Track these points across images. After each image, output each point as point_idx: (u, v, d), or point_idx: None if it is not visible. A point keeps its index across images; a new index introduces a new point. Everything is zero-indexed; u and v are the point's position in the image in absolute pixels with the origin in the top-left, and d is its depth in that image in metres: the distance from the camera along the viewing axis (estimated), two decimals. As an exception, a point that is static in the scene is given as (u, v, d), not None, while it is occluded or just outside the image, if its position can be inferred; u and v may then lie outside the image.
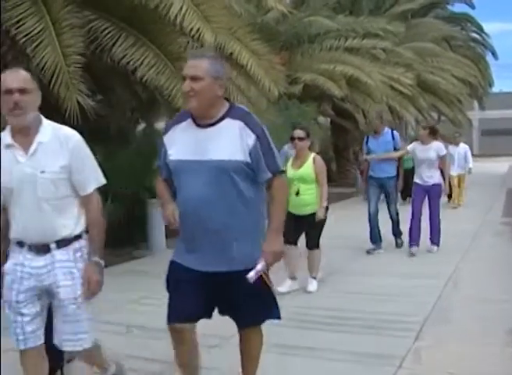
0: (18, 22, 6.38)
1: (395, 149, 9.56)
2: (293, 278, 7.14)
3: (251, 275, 3.47)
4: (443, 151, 9.50)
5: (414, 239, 9.38)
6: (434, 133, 9.49)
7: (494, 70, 35.95)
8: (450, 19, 32.32)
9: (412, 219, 9.44)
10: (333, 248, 9.75)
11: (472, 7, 34.03)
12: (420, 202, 9.45)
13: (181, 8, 7.26)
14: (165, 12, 7.32)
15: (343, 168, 22.54)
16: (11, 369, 4.71)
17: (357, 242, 10.27)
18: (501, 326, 5.63)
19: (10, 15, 6.39)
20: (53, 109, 8.08)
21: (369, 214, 9.65)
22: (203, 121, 3.49)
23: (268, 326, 5.82)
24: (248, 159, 3.43)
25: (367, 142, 9.78)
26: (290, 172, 6.73)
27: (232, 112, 3.50)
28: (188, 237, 3.65)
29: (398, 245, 9.93)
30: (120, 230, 9.43)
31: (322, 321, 5.98)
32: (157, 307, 6.56)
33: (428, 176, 9.35)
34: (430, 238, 9.60)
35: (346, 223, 12.13)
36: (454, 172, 15.73)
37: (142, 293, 7.10)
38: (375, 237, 9.68)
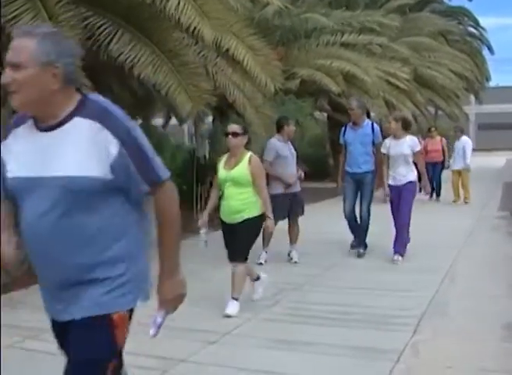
0: (13, 18, 6.36)
1: (373, 144, 8.75)
2: (237, 299, 6.11)
3: (152, 333, 2.95)
4: (418, 146, 8.69)
5: (396, 248, 8.49)
6: (407, 126, 8.65)
7: (490, 65, 36.10)
8: (447, 13, 32.35)
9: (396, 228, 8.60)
10: (330, 242, 9.78)
11: (469, 0, 34.09)
12: (395, 206, 8.53)
13: (178, 3, 7.24)
14: (162, 8, 7.30)
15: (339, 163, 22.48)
16: (12, 365, 4.73)
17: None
18: (498, 321, 5.65)
19: (5, 11, 6.37)
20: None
21: (345, 214, 8.91)
22: (44, 122, 2.51)
23: (266, 322, 5.86)
24: (110, 175, 2.43)
25: (344, 133, 8.93)
26: (222, 173, 6.20)
27: (83, 109, 2.49)
28: (41, 282, 2.93)
29: (360, 255, 8.77)
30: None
31: (320, 316, 6.00)
32: (155, 302, 6.58)
33: (403, 174, 8.43)
34: (394, 247, 8.44)
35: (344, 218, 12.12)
36: (455, 167, 15.76)
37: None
38: (355, 231, 9.07)
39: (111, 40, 7.32)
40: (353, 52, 16.90)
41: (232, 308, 5.98)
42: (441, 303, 6.35)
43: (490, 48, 35.11)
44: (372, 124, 8.87)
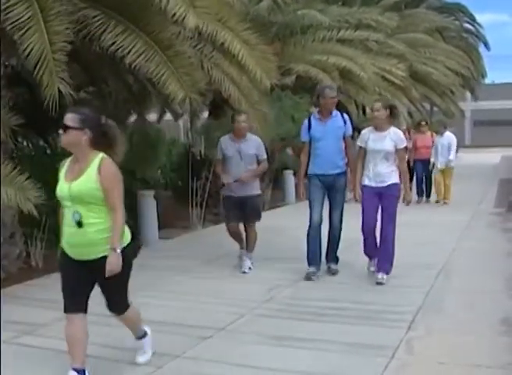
0: (5, 9, 6.36)
1: (345, 137, 7.37)
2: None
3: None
4: (403, 143, 7.16)
5: (371, 254, 7.37)
6: (394, 117, 7.27)
7: (486, 61, 35.94)
8: (443, 9, 32.32)
9: (364, 237, 7.25)
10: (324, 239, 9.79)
11: (465, -4, 34.10)
12: (373, 211, 7.08)
13: None
14: (155, 1, 7.33)
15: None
16: (7, 361, 4.72)
17: (349, 233, 10.30)
18: (493, 316, 5.66)
19: None
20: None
21: (310, 224, 7.34)
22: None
23: (261, 318, 5.86)
24: None
25: (309, 127, 7.36)
26: (62, 187, 4.20)
27: None
28: None
29: (331, 271, 7.52)
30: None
31: (315, 312, 6.00)
32: (150, 299, 6.59)
33: (383, 174, 7.00)
34: (377, 264, 7.13)
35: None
36: (439, 165, 14.85)
37: (135, 285, 7.08)
38: (314, 255, 7.38)
39: (103, 31, 7.32)
40: (350, 48, 16.87)
41: None
42: (436, 299, 6.36)
43: (486, 45, 35.09)
44: (342, 114, 7.47)
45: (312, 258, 7.33)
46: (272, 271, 7.69)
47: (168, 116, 17.40)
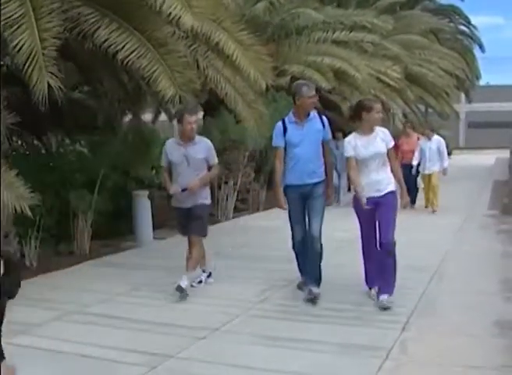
0: None
1: (323, 142, 6.55)
2: None
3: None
4: (392, 141, 6.39)
5: (373, 282, 6.50)
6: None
7: (481, 63, 35.99)
8: (438, 11, 32.38)
9: (364, 258, 6.55)
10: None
11: (461, 0, 34.19)
12: (373, 227, 6.29)
13: None
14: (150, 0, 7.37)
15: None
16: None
17: (338, 234, 10.32)
18: (487, 318, 5.67)
19: None
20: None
21: (294, 243, 6.65)
22: None
23: (255, 318, 5.86)
24: None
25: (284, 131, 6.48)
26: None
27: None
28: None
29: (311, 296, 6.31)
30: (107, 221, 9.43)
31: (309, 313, 6.00)
32: (145, 299, 6.59)
33: (380, 182, 6.19)
34: (380, 287, 6.24)
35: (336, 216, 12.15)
36: (426, 171, 13.69)
37: (130, 285, 7.10)
38: (315, 272, 6.51)
39: (97, 28, 7.35)
40: (345, 50, 16.90)
41: None
42: (430, 300, 6.37)
43: (481, 47, 35.17)
44: (320, 116, 6.62)
45: (302, 271, 6.77)
46: (266, 272, 7.68)
47: (163, 117, 17.39)
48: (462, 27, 35.23)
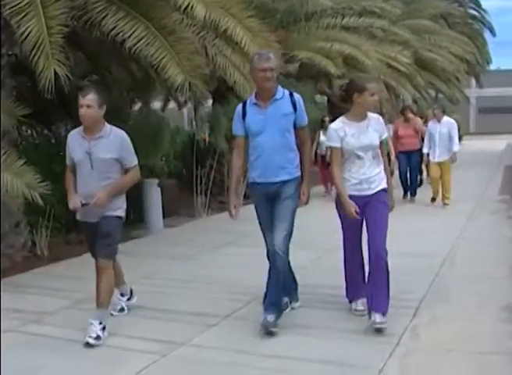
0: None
1: (295, 128, 5.23)
2: None
3: None
4: (386, 131, 5.44)
5: (356, 294, 5.55)
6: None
7: (492, 47, 35.88)
8: (448, -5, 32.15)
9: (346, 266, 5.59)
10: (330, 227, 9.78)
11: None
12: (359, 232, 5.37)
13: None
14: None
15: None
16: (13, 349, 4.74)
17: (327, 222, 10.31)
18: (498, 303, 5.66)
19: None
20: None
21: (268, 257, 5.33)
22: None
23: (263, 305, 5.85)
24: None
25: (243, 115, 5.23)
26: None
27: None
28: None
29: (263, 329, 5.01)
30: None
31: (320, 299, 6.00)
32: (156, 287, 6.61)
33: (371, 178, 5.20)
34: (371, 303, 5.12)
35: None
36: (436, 158, 11.99)
37: (141, 273, 7.12)
38: (276, 297, 5.22)
39: (105, 16, 7.35)
40: (354, 35, 16.81)
41: None
42: (441, 287, 6.35)
43: (492, 31, 34.91)
44: (292, 94, 5.26)
45: (274, 298, 5.21)
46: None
47: (172, 105, 17.39)
48: (472, 11, 34.96)
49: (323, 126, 13.73)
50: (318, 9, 16.42)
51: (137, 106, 12.53)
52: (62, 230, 8.91)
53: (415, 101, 27.06)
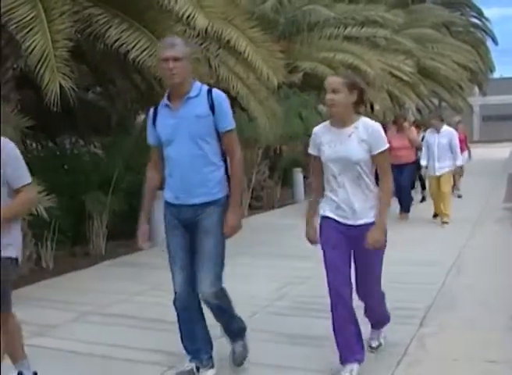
0: (10, 10, 6.45)
1: (219, 136, 4.13)
2: None
3: None
4: (383, 143, 4.11)
5: (348, 346, 4.35)
6: (364, 103, 4.26)
7: (494, 56, 36.06)
8: (449, 4, 32.25)
9: (334, 310, 4.37)
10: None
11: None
12: (345, 266, 4.26)
13: None
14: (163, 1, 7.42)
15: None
16: (11, 364, 4.73)
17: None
18: (505, 312, 5.63)
19: (2, 3, 6.46)
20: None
21: (175, 296, 4.33)
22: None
23: (269, 316, 5.85)
24: None
25: (154, 120, 4.25)
26: None
27: None
28: None
29: (235, 356, 4.56)
30: (122, 222, 9.46)
31: (325, 309, 5.96)
32: (162, 298, 6.59)
33: (355, 203, 4.14)
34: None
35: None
36: (435, 172, 10.92)
37: (147, 285, 7.11)
38: (191, 340, 4.42)
39: (108, 28, 7.42)
40: (356, 45, 16.87)
41: None
42: (447, 295, 6.34)
43: (494, 39, 35.02)
44: (210, 91, 4.16)
45: (188, 344, 4.43)
46: (282, 269, 7.68)
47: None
48: (474, 20, 35.08)
49: None
50: (320, 20, 16.50)
51: (141, 118, 12.56)
52: (67, 242, 8.92)
53: (418, 110, 27.11)
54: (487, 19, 35.09)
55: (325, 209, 4.27)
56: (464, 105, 28.82)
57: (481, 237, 9.57)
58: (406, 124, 12.27)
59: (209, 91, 4.14)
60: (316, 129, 4.33)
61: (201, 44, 9.01)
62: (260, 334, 5.27)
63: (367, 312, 4.67)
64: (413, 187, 13.05)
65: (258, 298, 6.39)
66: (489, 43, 35.14)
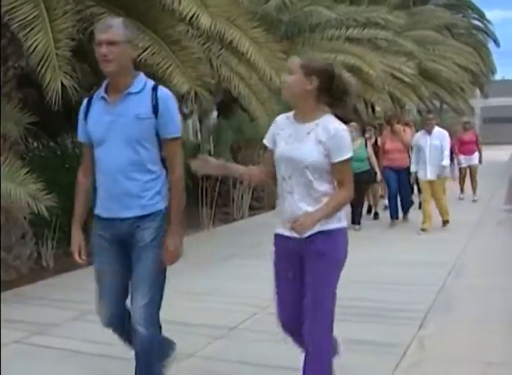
0: (12, 9, 6.46)
1: (161, 139, 3.52)
2: None
3: None
4: (346, 148, 3.32)
5: None
6: (331, 93, 3.41)
7: (496, 58, 35.99)
8: (451, 6, 32.24)
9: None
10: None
11: (475, -6, 34.10)
12: (293, 295, 3.62)
13: None
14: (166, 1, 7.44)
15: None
16: (18, 361, 4.74)
17: (361, 231, 10.32)
18: (505, 314, 5.64)
19: (4, 2, 6.47)
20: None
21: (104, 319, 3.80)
22: None
23: (269, 316, 5.84)
24: None
25: (85, 115, 3.65)
26: None
27: None
28: None
29: None
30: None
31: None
32: (163, 298, 6.59)
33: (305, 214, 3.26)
34: None
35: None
36: (426, 176, 10.31)
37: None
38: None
39: None
40: (358, 46, 16.87)
41: None
42: (447, 297, 6.34)
43: (496, 41, 35.01)
44: (156, 88, 3.53)
45: None
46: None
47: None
48: (476, 22, 35.07)
49: None
50: (322, 21, 16.50)
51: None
52: (68, 241, 8.88)
53: (419, 112, 27.10)
54: (489, 22, 35.10)
55: (277, 223, 3.62)
56: (466, 107, 28.77)
57: (481, 239, 9.57)
58: (398, 126, 11.52)
59: (154, 89, 3.51)
60: (278, 118, 3.67)
61: (204, 44, 9.01)
62: (260, 335, 5.28)
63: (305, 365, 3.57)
64: (412, 191, 12.76)
65: (258, 298, 6.37)
66: (491, 45, 35.16)
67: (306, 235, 3.27)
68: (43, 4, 6.59)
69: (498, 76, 43.95)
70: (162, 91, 3.52)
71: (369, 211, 12.49)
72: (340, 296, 6.30)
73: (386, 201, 11.95)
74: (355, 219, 10.55)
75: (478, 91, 37.50)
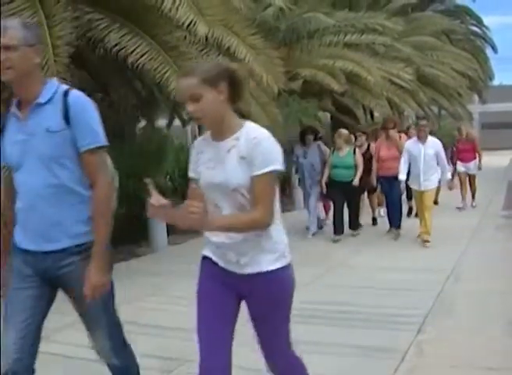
0: (11, 15, 6.48)
1: (81, 153, 2.98)
2: None
3: None
4: (268, 164, 2.70)
5: None
6: (237, 96, 2.84)
7: (494, 63, 36.15)
8: (449, 12, 32.36)
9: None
10: (332, 243, 9.77)
11: (473, 1, 34.24)
12: (220, 345, 3.34)
13: (174, 1, 7.40)
14: (159, 6, 7.48)
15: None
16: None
17: (360, 236, 10.31)
18: (503, 319, 5.63)
19: (4, 8, 6.49)
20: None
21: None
22: None
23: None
24: None
25: (2, 131, 3.10)
26: None
27: None
28: None
29: None
30: (121, 228, 9.44)
31: (325, 316, 5.98)
32: (160, 304, 6.59)
33: (240, 246, 2.91)
34: None
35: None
36: (421, 186, 9.50)
37: (145, 290, 7.11)
38: None
39: (108, 33, 7.48)
40: (356, 52, 16.91)
41: None
42: (446, 302, 6.33)
43: (493, 47, 35.13)
44: (67, 93, 3.00)
45: None
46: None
47: (177, 123, 17.46)
48: (474, 28, 35.19)
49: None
50: (320, 27, 16.56)
51: (141, 125, 12.58)
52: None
53: (418, 118, 27.13)
54: (486, 28, 35.27)
55: (205, 247, 3.20)
56: (464, 113, 28.83)
57: (480, 244, 9.56)
58: (393, 132, 10.77)
59: (65, 94, 2.98)
60: (196, 142, 3.07)
61: (201, 50, 9.05)
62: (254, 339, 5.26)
63: None
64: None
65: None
66: (489, 51, 35.30)
67: (246, 273, 2.98)
68: (42, 11, 6.62)
69: (496, 82, 44.06)
70: (74, 95, 3.00)
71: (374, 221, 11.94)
72: (339, 301, 6.33)
73: (382, 211, 11.93)
74: (352, 225, 10.39)
75: (476, 97, 37.58)
